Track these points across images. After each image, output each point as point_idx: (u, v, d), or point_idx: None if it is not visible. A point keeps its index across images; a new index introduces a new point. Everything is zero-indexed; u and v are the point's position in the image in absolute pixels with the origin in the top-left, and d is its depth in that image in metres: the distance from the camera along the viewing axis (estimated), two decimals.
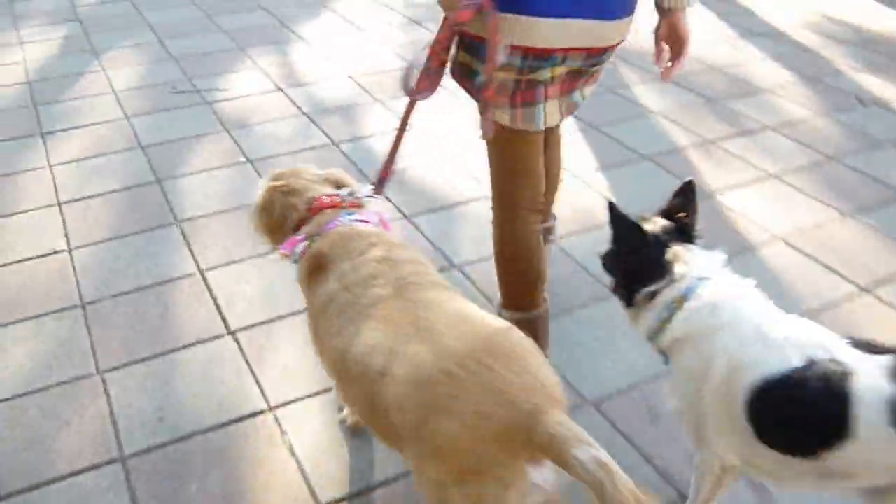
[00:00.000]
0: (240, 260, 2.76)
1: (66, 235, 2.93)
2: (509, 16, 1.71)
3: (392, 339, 1.37)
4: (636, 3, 1.84)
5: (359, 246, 1.60)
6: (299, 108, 3.94)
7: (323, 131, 3.69)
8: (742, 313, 1.49)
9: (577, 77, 1.92)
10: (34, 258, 2.81)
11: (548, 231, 2.48)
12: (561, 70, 1.86)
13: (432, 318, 1.38)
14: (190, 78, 4.30)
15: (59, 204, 3.14)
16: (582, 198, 3.10)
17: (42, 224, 3.01)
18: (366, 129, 3.69)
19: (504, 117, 1.89)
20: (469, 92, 1.94)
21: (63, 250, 2.84)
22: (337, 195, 1.78)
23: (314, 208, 1.74)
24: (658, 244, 1.60)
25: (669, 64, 1.93)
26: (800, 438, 1.40)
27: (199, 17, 5.30)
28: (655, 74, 3.01)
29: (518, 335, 1.37)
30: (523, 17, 1.71)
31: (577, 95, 1.99)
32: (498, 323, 1.42)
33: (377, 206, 1.83)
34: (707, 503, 1.67)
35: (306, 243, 1.68)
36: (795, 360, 1.38)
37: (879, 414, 1.29)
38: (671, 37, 1.89)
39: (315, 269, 1.64)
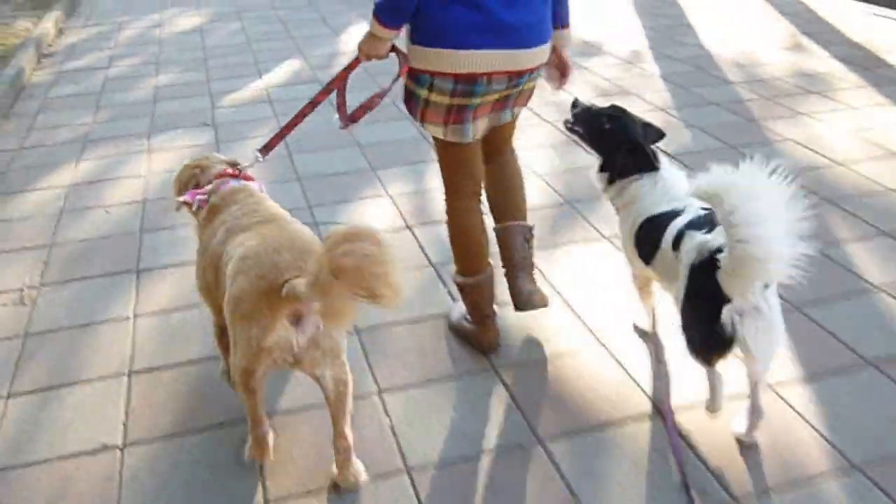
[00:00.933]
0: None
1: (125, 423, 2.40)
2: (444, 50, 2.23)
3: (250, 239, 2.01)
4: (549, 34, 2.37)
5: (244, 196, 2.29)
6: (427, 255, 3.33)
7: (450, 292, 3.04)
8: (662, 188, 2.37)
9: (506, 100, 2.45)
10: (79, 454, 2.28)
11: (526, 233, 2.68)
12: (490, 97, 2.36)
13: (275, 231, 2.02)
14: (311, 206, 3.80)
15: (130, 374, 2.63)
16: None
17: (102, 403, 2.50)
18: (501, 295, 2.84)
19: (438, 132, 2.44)
20: (410, 112, 2.46)
21: (114, 447, 2.31)
22: (233, 169, 2.43)
23: (216, 176, 2.39)
24: (641, 158, 2.42)
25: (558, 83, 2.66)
26: (646, 252, 2.36)
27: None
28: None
29: (313, 243, 1.97)
30: (457, 51, 2.23)
31: (507, 114, 2.53)
32: (308, 236, 2.04)
33: (258, 179, 2.51)
34: (646, 306, 2.70)
35: (206, 197, 2.32)
36: (661, 210, 2.31)
37: (668, 236, 2.22)
38: (560, 64, 2.62)
39: (210, 214, 2.29)
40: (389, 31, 2.27)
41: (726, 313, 1.94)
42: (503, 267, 2.67)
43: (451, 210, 2.60)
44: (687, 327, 2.11)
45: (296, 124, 2.53)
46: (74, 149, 4.70)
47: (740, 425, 2.21)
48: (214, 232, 2.20)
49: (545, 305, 2.68)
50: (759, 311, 1.94)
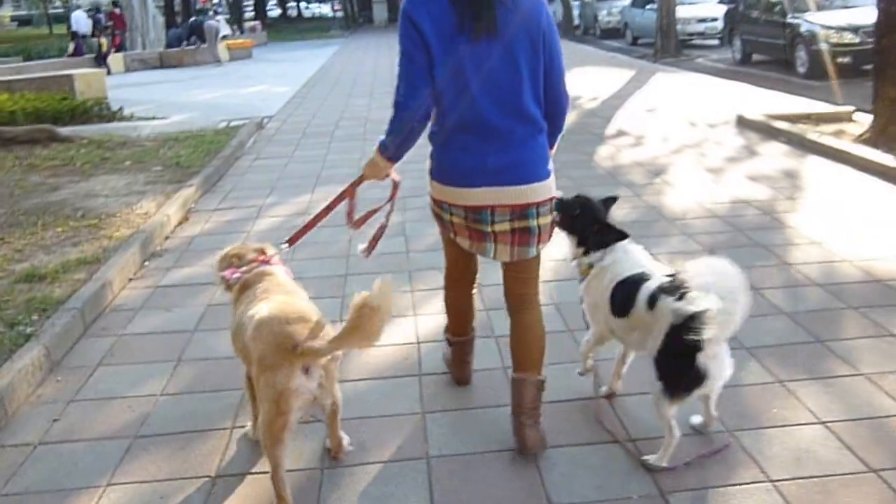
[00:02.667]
0: None
1: None
2: (452, 188, 2.81)
3: (261, 308, 2.67)
4: (545, 173, 2.82)
5: (266, 278, 2.90)
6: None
7: None
8: (628, 256, 2.99)
9: (527, 235, 2.84)
10: None
11: (537, 387, 2.94)
12: (502, 226, 2.81)
13: (284, 303, 2.70)
14: None
15: None
16: None
17: None
18: None
19: (465, 244, 2.95)
20: (441, 227, 3.02)
21: None
22: (263, 255, 3.05)
23: (249, 261, 3.01)
24: (610, 234, 3.05)
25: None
26: (622, 306, 2.89)
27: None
28: None
29: (309, 313, 2.66)
30: (459, 188, 2.79)
31: (532, 249, 2.89)
32: (309, 309, 2.71)
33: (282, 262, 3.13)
34: (586, 357, 3.31)
35: (240, 276, 2.95)
36: (634, 273, 2.90)
37: (643, 298, 2.78)
38: None
39: (242, 290, 2.91)
40: (389, 163, 2.88)
41: (701, 358, 2.58)
42: (512, 413, 2.94)
43: (449, 293, 3.33)
44: (667, 372, 2.67)
45: (315, 224, 3.11)
46: (106, 460, 3.00)
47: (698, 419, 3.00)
48: (241, 303, 2.86)
49: (544, 448, 2.93)
50: (718, 355, 2.65)
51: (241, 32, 31.18)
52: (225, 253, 3.11)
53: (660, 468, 2.77)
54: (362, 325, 2.37)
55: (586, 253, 3.06)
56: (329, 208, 3.06)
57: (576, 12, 30.21)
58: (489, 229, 2.81)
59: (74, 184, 7.49)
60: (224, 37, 28.50)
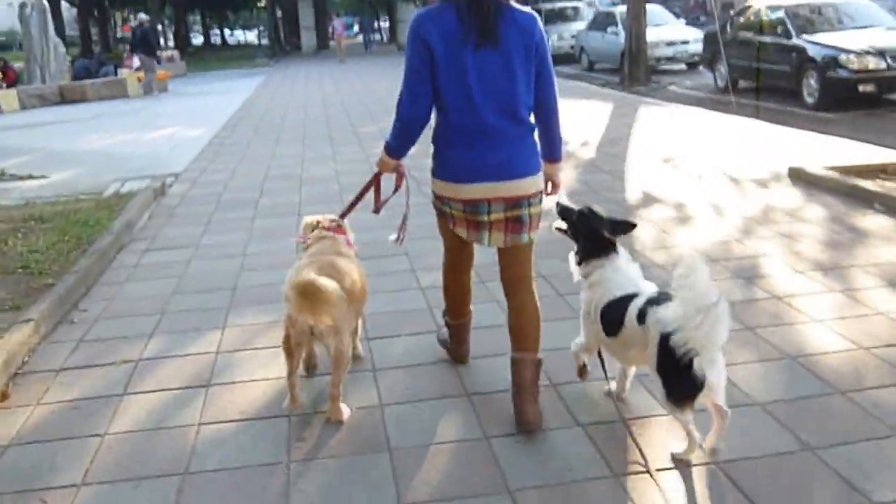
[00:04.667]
0: None
1: None
2: (451, 184, 3.15)
3: (310, 266, 3.36)
4: (535, 168, 3.17)
5: (326, 240, 3.64)
6: None
7: None
8: (621, 275, 3.10)
9: (518, 224, 3.17)
10: None
11: (535, 365, 3.26)
12: (497, 216, 3.14)
13: (329, 262, 3.40)
14: None
15: None
16: None
17: None
18: None
19: (462, 234, 3.27)
20: (441, 221, 3.38)
21: None
22: (329, 223, 3.75)
23: (320, 227, 3.74)
24: (601, 243, 3.18)
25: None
26: (612, 326, 3.01)
27: None
28: None
29: (343, 270, 3.39)
30: (458, 184, 3.13)
31: (524, 237, 3.21)
32: (344, 266, 3.43)
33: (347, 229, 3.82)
34: (581, 365, 3.41)
35: (304, 238, 3.74)
36: (622, 293, 3.01)
37: (632, 315, 2.89)
38: (550, 178, 3.36)
39: (306, 249, 3.65)
40: (394, 160, 3.34)
41: (697, 364, 2.63)
42: (512, 388, 3.26)
43: (447, 277, 3.62)
44: (669, 382, 2.75)
45: (356, 203, 3.72)
46: None
47: (710, 442, 2.92)
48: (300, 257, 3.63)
49: (541, 428, 3.21)
50: (714, 360, 2.70)
51: (158, 63, 28.11)
52: (307, 221, 3.85)
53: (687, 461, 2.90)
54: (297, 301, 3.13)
55: (579, 263, 3.25)
56: (362, 193, 3.66)
57: None
58: (486, 219, 3.16)
59: None
60: (138, 68, 25.58)
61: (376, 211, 3.63)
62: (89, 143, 12.81)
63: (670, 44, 19.39)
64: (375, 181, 3.58)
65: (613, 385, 3.35)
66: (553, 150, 3.29)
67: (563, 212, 3.32)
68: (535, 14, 3.09)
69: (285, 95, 19.65)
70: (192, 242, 6.43)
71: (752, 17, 15.14)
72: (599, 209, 3.27)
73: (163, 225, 7.14)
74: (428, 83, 3.04)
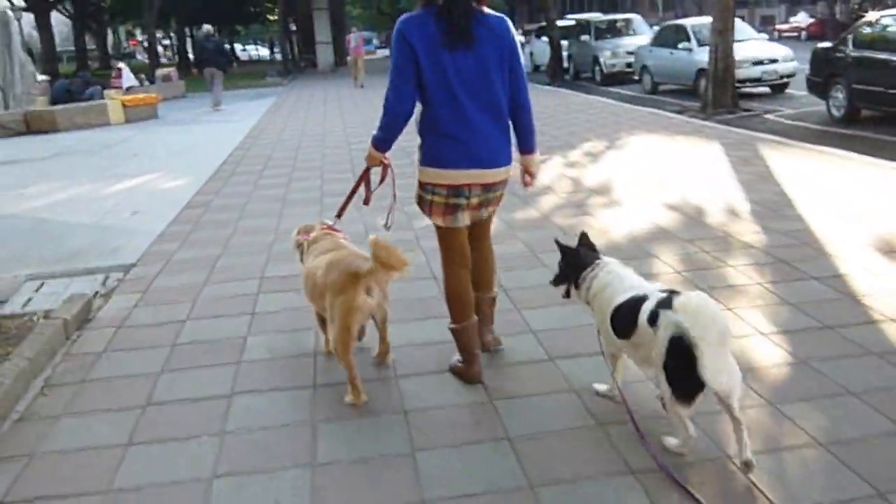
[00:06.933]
0: None
1: None
2: (441, 170, 3.54)
3: (326, 258, 3.78)
4: (509, 160, 3.59)
5: (327, 239, 4.08)
6: None
7: None
8: (618, 279, 3.27)
9: (482, 205, 3.69)
10: None
11: (492, 300, 4.03)
12: (473, 201, 3.61)
13: (339, 252, 3.85)
14: None
15: None
16: None
17: None
18: None
19: (439, 222, 3.69)
20: (422, 210, 3.75)
21: None
22: (324, 226, 4.24)
23: (317, 229, 4.21)
24: (582, 256, 3.45)
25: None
26: (624, 329, 3.12)
27: None
28: None
29: (364, 255, 3.73)
30: (447, 170, 3.52)
31: (484, 213, 3.77)
32: (358, 253, 3.81)
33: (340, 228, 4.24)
34: (615, 372, 3.45)
35: (307, 237, 4.18)
36: (629, 297, 3.13)
37: (644, 317, 2.97)
38: (528, 174, 3.84)
39: (309, 247, 4.09)
40: (380, 153, 3.77)
41: (701, 364, 2.70)
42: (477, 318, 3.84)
43: (447, 277, 3.81)
44: (673, 379, 2.86)
45: (350, 199, 4.20)
46: None
47: (738, 452, 2.94)
48: (311, 254, 4.01)
49: (499, 345, 4.10)
50: (720, 362, 2.74)
51: (152, 83, 25.02)
52: (299, 228, 4.39)
53: (680, 453, 3.06)
54: (380, 255, 3.41)
55: (577, 287, 3.44)
56: (355, 188, 4.15)
57: (563, 53, 24.79)
58: (465, 202, 3.60)
59: None
60: (129, 88, 22.46)
61: (366, 202, 4.09)
62: (23, 199, 9.61)
63: (757, 63, 16.06)
64: (365, 176, 4.04)
65: (601, 386, 3.59)
66: (528, 143, 3.72)
67: (562, 251, 3.58)
68: (507, 18, 3.52)
69: (298, 124, 16.38)
70: (104, 477, 3.18)
71: (885, 30, 11.86)
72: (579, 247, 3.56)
73: (64, 408, 3.88)
74: (412, 82, 3.42)
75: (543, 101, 17.91)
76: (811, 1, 43.50)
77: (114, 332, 4.93)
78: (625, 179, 8.64)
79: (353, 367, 3.63)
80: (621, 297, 3.16)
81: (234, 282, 5.78)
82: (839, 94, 12.31)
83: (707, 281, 5.16)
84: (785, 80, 16.30)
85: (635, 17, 24.86)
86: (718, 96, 14.41)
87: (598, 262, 3.37)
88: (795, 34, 34.51)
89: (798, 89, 16.00)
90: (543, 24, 27.45)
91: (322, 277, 3.65)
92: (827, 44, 13.47)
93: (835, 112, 12.45)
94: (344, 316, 3.51)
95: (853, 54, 11.98)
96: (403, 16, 3.47)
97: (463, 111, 3.43)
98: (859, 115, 12.09)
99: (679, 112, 14.75)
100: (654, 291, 3.09)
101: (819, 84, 12.94)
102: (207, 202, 8.83)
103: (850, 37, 12.35)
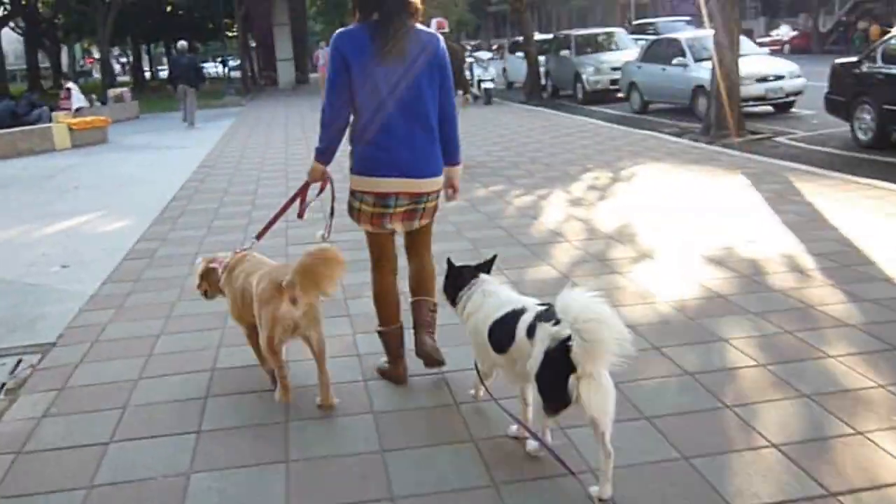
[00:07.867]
0: None
1: None
2: (368, 178, 3.66)
3: (259, 273, 3.76)
4: (438, 170, 3.73)
5: (248, 261, 4.01)
6: None
7: None
8: (493, 296, 3.32)
9: (413, 214, 3.76)
10: None
11: (432, 309, 4.00)
12: (399, 209, 3.70)
13: (271, 266, 3.89)
14: None
15: None
16: None
17: None
18: None
19: (367, 227, 3.80)
20: (351, 217, 3.83)
21: None
22: (238, 251, 4.16)
23: (236, 254, 4.13)
24: (464, 274, 3.48)
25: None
26: (502, 343, 3.12)
27: None
28: None
29: (288, 267, 3.66)
30: (374, 178, 3.64)
31: (416, 223, 3.82)
32: (287, 265, 3.80)
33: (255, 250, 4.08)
34: (479, 389, 3.63)
35: (228, 262, 4.07)
36: (507, 311, 3.14)
37: (522, 330, 2.98)
38: (451, 187, 3.91)
39: (230, 270, 4.01)
40: (322, 165, 3.83)
41: (572, 380, 2.70)
42: (413, 327, 3.96)
43: (375, 281, 3.94)
44: (544, 390, 2.85)
45: (277, 220, 4.25)
46: None
47: (599, 485, 2.89)
48: (236, 278, 3.93)
49: (440, 357, 3.91)
50: (594, 378, 2.69)
51: (103, 103, 23.34)
52: (204, 258, 4.39)
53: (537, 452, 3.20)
54: (305, 262, 3.49)
55: (455, 304, 3.51)
56: (286, 206, 4.16)
57: (541, 69, 23.57)
58: (391, 211, 3.70)
59: None
60: (78, 110, 20.77)
61: (300, 216, 4.14)
62: None
63: (762, 80, 14.90)
64: (302, 191, 4.10)
65: (514, 428, 3.42)
66: (454, 155, 3.82)
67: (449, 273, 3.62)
68: (438, 35, 3.66)
69: (259, 149, 14.85)
70: None
71: None
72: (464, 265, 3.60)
73: None
74: (345, 93, 3.56)
75: (526, 122, 16.63)
76: (791, 13, 42.85)
77: (11, 461, 3.48)
78: (646, 222, 7.29)
79: (283, 367, 3.78)
80: (499, 312, 3.21)
81: (176, 376, 4.34)
82: (866, 116, 11.14)
83: (806, 380, 3.85)
84: (791, 98, 15.17)
85: (619, 31, 23.76)
86: (722, 117, 13.22)
87: (474, 281, 3.43)
88: (777, 48, 33.60)
89: (804, 108, 14.93)
90: (519, 38, 26.28)
91: (255, 288, 3.71)
92: (850, 58, 12.35)
93: (861, 135, 11.26)
94: (268, 326, 3.60)
95: (884, 71, 10.82)
96: (340, 30, 3.61)
97: (392, 122, 3.57)
98: (890, 138, 10.91)
99: (678, 135, 13.56)
100: (532, 305, 3.13)
101: (842, 104, 11.74)
102: (152, 251, 7.33)
103: (878, 51, 11.22)
